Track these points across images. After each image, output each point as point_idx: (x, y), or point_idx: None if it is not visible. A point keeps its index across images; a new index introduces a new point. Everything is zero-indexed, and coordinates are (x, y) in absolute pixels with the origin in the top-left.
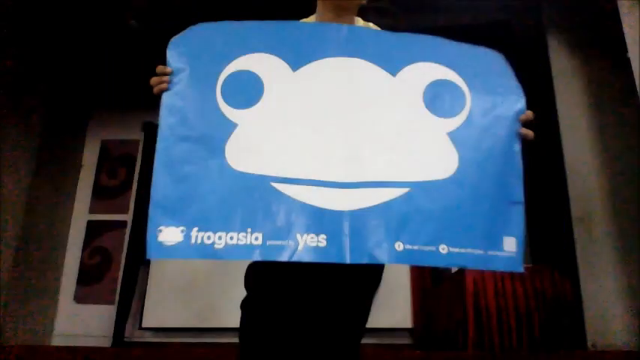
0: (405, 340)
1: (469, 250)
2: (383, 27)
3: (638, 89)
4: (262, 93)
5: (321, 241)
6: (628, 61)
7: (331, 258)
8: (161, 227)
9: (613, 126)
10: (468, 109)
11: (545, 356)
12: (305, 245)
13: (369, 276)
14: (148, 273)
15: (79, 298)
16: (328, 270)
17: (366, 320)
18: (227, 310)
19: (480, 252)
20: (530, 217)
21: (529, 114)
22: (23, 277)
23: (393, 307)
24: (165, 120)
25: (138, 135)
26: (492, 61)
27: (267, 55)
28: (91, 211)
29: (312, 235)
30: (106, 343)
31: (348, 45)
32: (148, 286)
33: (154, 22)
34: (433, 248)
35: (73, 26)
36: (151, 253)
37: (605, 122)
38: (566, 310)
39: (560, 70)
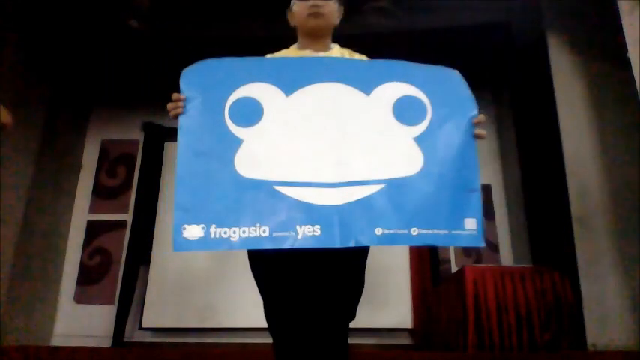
0: (405, 340)
1: (436, 231)
2: (383, 28)
3: (638, 89)
4: (262, 114)
5: (316, 230)
6: (628, 61)
7: (325, 243)
8: (185, 226)
9: (613, 126)
10: (430, 118)
11: (545, 356)
12: (303, 235)
13: (354, 255)
14: (147, 273)
15: (79, 298)
16: (321, 257)
17: (360, 292)
18: (227, 310)
19: (445, 232)
20: (531, 217)
21: (481, 117)
22: (23, 278)
23: (393, 307)
24: (183, 139)
25: (138, 135)
26: (448, 77)
27: (264, 84)
28: (91, 211)
29: (309, 226)
30: (106, 343)
31: (329, 72)
32: (148, 286)
33: (154, 22)
34: (406, 231)
35: (73, 27)
36: (178, 247)
37: (605, 122)
38: (566, 310)
39: (560, 70)
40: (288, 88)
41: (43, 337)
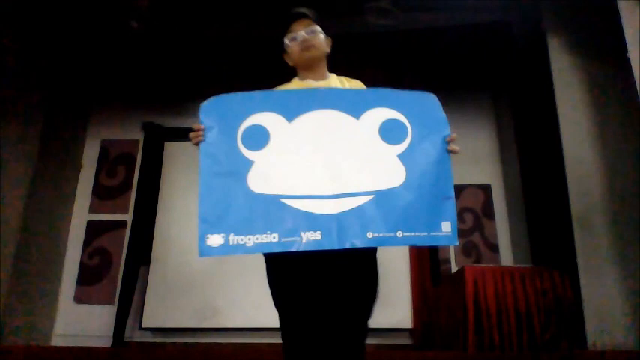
0: (405, 340)
1: (417, 233)
2: (383, 28)
3: (638, 89)
4: (269, 139)
5: (318, 235)
6: (628, 61)
7: (325, 246)
8: (208, 235)
9: (613, 126)
10: (410, 138)
11: (545, 356)
12: (307, 239)
13: (362, 258)
14: (147, 273)
15: (79, 298)
16: (332, 262)
17: (374, 291)
18: (227, 310)
19: (425, 234)
20: (531, 217)
21: (453, 136)
22: (23, 278)
23: (393, 307)
24: (204, 162)
25: (138, 135)
26: (426, 101)
27: (269, 113)
28: (91, 211)
29: (311, 232)
30: (106, 343)
31: (324, 101)
32: (148, 286)
33: (154, 22)
34: (392, 234)
35: (73, 27)
36: (203, 253)
37: (605, 122)
38: (566, 310)
39: (560, 70)
40: (290, 116)
41: (43, 337)
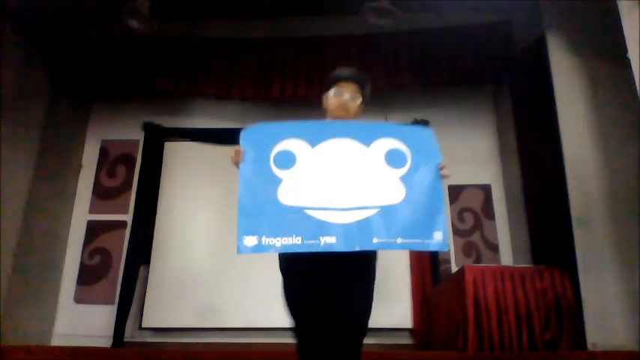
0: (405, 340)
1: (413, 240)
2: (383, 28)
3: (638, 89)
4: (295, 161)
5: (332, 240)
6: (628, 61)
7: (338, 248)
8: (244, 236)
9: (613, 126)
10: (409, 164)
11: (545, 356)
12: (324, 242)
13: (364, 263)
14: (147, 273)
15: (79, 298)
16: (338, 263)
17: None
18: (227, 310)
19: (419, 240)
20: (531, 217)
21: (443, 164)
22: (23, 278)
23: (393, 307)
24: (243, 179)
25: (138, 135)
26: (423, 134)
27: (296, 139)
28: (91, 211)
29: (328, 237)
30: (106, 343)
31: (342, 131)
32: (148, 286)
33: (154, 22)
34: (393, 240)
35: (73, 27)
36: (240, 251)
37: (605, 122)
38: (566, 310)
39: (560, 70)
40: (313, 142)
41: (43, 337)
